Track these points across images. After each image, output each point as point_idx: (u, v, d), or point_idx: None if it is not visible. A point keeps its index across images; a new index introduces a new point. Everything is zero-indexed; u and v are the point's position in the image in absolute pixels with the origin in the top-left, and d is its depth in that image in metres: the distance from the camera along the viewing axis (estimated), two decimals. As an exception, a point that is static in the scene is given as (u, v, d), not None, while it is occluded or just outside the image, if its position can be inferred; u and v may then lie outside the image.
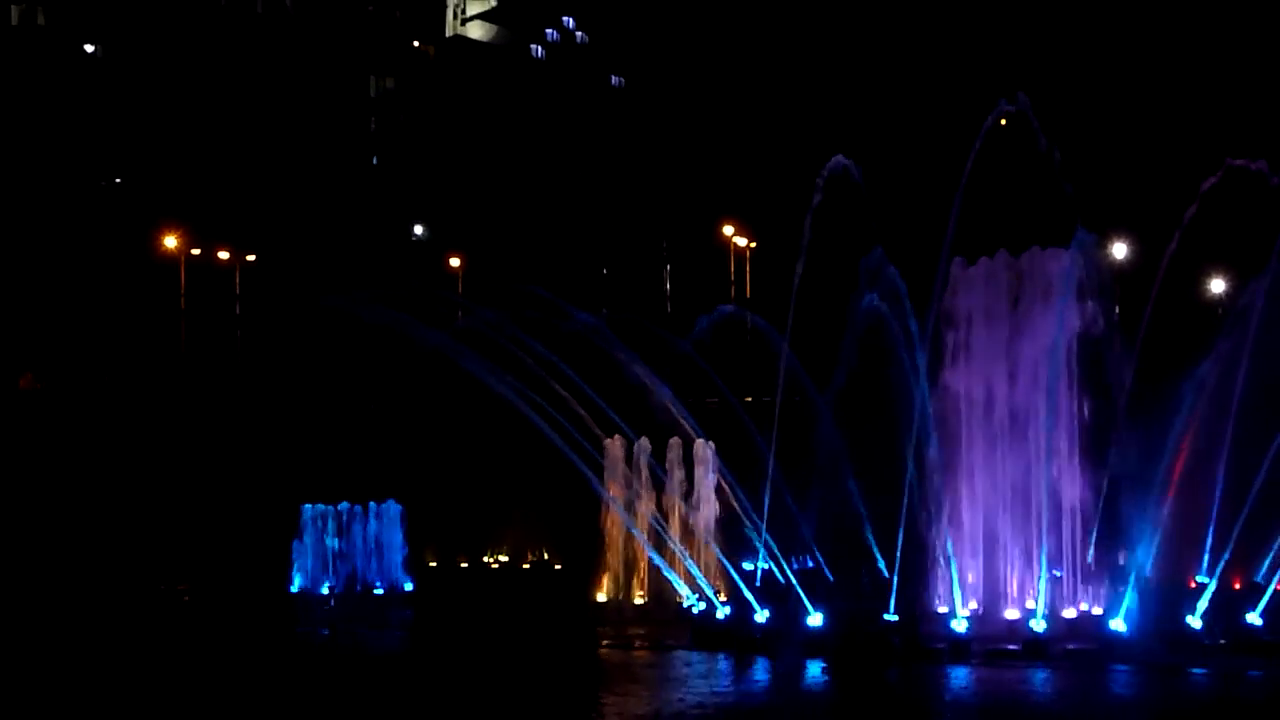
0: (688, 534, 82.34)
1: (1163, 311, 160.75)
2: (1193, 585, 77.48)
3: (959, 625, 69.59)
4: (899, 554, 75.61)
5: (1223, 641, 67.37)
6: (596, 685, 63.46)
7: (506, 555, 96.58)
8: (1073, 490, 73.11)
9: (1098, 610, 71.62)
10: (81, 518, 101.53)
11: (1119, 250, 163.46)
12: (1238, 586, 77.06)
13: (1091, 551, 74.37)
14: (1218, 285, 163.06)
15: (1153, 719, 57.51)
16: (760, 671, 66.65)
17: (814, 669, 66.66)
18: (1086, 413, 75.32)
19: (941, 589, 72.79)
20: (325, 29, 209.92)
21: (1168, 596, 74.39)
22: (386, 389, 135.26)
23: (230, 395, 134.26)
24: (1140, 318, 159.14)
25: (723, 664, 68.45)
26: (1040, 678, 63.43)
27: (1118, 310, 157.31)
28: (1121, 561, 75.65)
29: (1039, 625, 68.93)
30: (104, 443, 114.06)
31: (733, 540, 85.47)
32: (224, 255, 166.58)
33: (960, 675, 64.38)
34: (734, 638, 71.98)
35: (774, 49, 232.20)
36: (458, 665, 67.58)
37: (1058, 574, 72.99)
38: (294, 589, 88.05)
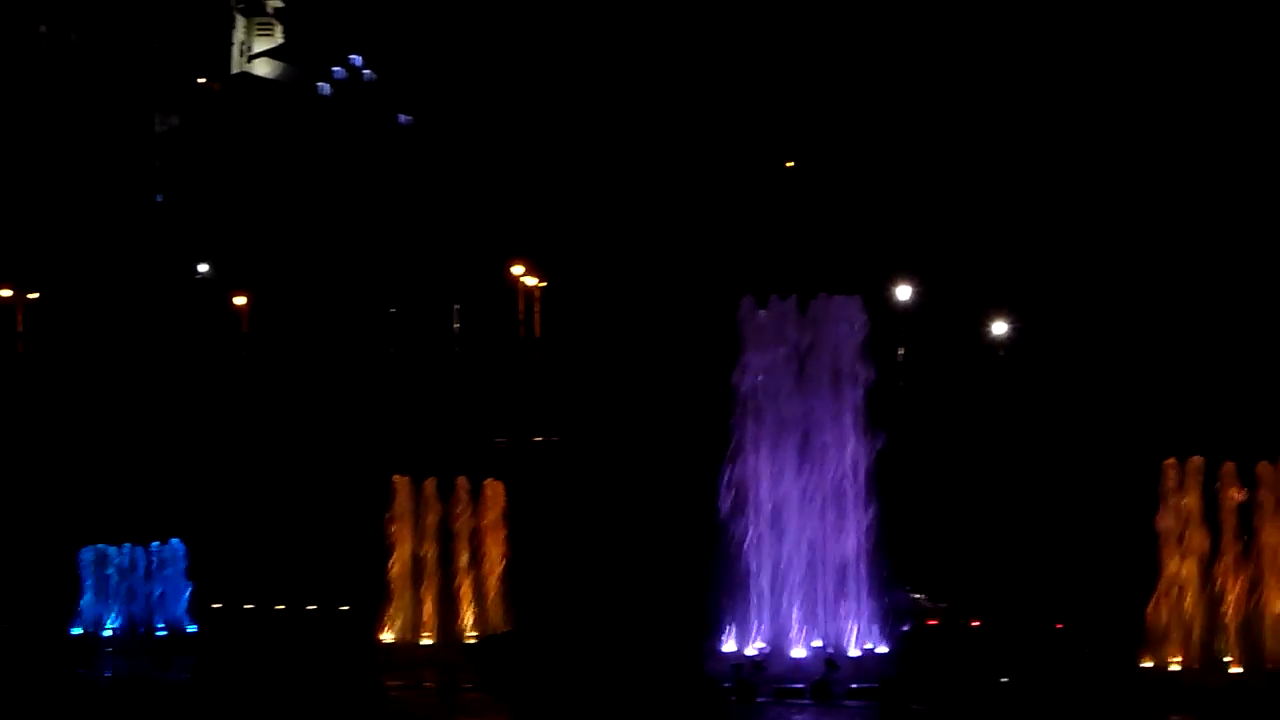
0: (475, 572, 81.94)
1: (945, 352, 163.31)
2: (975, 625, 78.44)
3: (745, 664, 69.79)
4: (688, 592, 75.83)
5: (1004, 680, 67.88)
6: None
7: (292, 597, 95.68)
8: (859, 529, 73.51)
9: (883, 649, 72.09)
10: None
11: (903, 293, 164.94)
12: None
13: (893, 591, 75.14)
14: (999, 327, 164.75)
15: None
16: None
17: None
18: (872, 453, 75.58)
19: (730, 628, 72.96)
20: (109, 65, 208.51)
21: (951, 637, 75.36)
22: (170, 428, 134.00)
23: (11, 434, 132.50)
24: (926, 357, 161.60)
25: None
26: (825, 713, 63.56)
27: (901, 352, 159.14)
28: (908, 601, 76.49)
29: (824, 665, 69.28)
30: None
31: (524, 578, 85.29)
32: (6, 293, 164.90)
33: (745, 715, 64.33)
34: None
35: (563, 89, 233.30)
36: (238, 709, 66.87)
37: (844, 613, 73.44)
38: (75, 631, 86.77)
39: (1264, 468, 71.06)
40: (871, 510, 73.53)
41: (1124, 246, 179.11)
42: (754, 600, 72.74)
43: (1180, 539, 70.91)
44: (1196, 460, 70.93)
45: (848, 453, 74.09)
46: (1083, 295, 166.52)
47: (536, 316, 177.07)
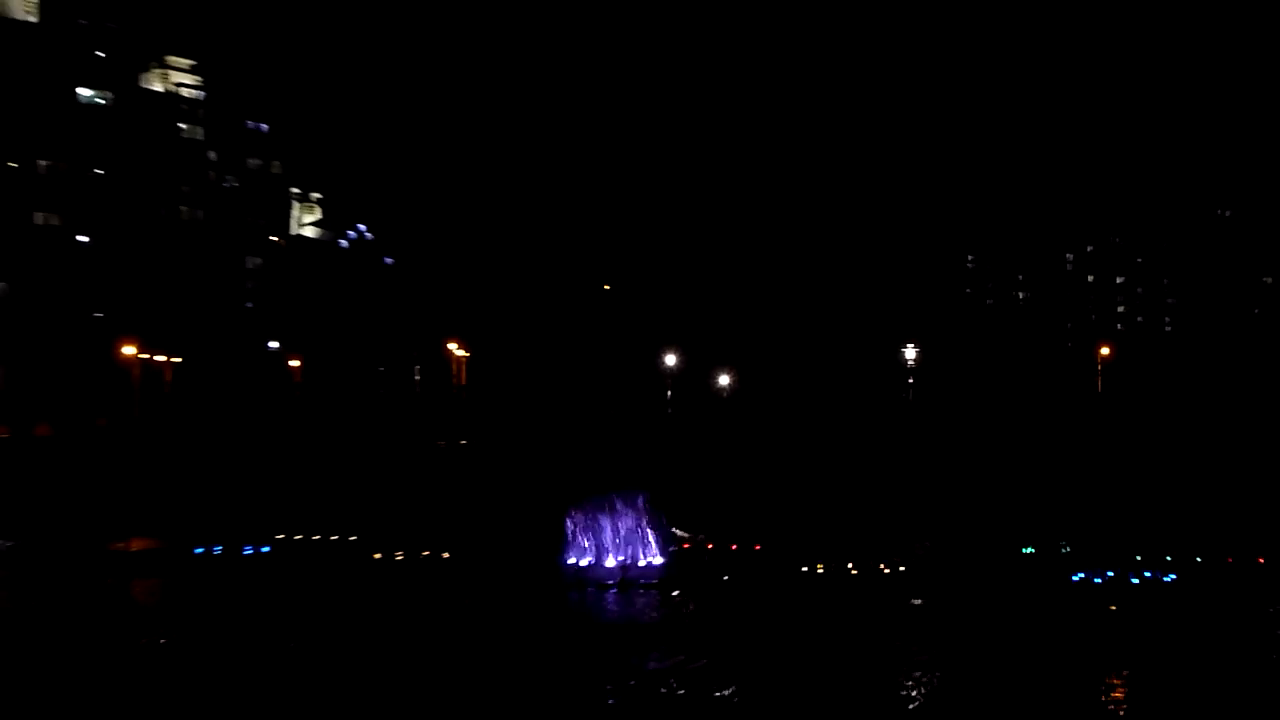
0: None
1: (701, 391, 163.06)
2: (710, 547, 77.92)
3: (580, 570, 69.84)
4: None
5: (725, 578, 67.77)
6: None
7: (330, 532, 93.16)
8: (641, 501, 73.36)
9: (658, 561, 71.80)
10: None
11: (670, 359, 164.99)
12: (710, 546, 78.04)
13: (665, 529, 74.88)
14: (724, 379, 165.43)
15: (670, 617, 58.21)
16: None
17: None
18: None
19: (572, 552, 72.39)
20: (225, 230, 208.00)
21: (697, 554, 75.21)
22: (262, 436, 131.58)
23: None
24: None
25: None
26: (624, 597, 63.48)
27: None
28: (673, 535, 76.15)
29: (622, 570, 69.41)
30: None
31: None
32: (161, 357, 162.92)
33: (579, 597, 64.08)
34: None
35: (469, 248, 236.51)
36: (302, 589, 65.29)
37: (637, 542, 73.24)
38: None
39: None
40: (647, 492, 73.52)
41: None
42: (585, 539, 72.46)
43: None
44: None
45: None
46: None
47: (463, 373, 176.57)
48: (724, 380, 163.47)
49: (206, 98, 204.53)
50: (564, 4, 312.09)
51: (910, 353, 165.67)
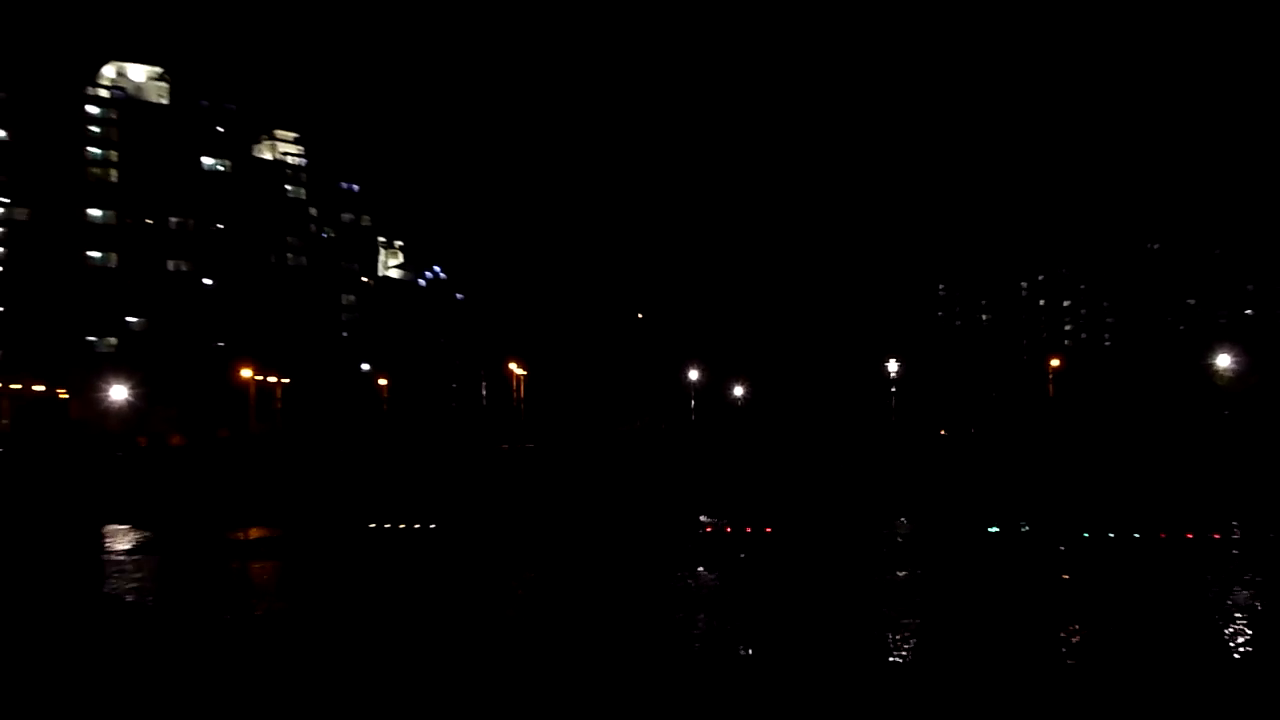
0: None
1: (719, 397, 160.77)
2: (728, 531, 77.44)
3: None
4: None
5: (742, 556, 67.35)
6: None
7: (402, 520, 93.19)
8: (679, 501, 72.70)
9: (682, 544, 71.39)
10: None
11: (693, 374, 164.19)
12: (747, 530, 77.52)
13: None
14: (738, 390, 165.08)
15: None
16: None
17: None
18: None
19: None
20: (319, 273, 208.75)
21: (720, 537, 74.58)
22: (355, 441, 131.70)
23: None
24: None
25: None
26: (656, 575, 62.68)
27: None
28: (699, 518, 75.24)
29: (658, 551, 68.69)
30: None
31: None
32: (273, 379, 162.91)
33: (625, 574, 63.36)
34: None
35: (530, 281, 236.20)
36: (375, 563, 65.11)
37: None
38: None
39: None
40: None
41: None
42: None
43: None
44: None
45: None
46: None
47: (522, 388, 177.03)
48: (738, 390, 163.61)
49: (308, 164, 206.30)
50: (610, 73, 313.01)
51: (893, 366, 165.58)
